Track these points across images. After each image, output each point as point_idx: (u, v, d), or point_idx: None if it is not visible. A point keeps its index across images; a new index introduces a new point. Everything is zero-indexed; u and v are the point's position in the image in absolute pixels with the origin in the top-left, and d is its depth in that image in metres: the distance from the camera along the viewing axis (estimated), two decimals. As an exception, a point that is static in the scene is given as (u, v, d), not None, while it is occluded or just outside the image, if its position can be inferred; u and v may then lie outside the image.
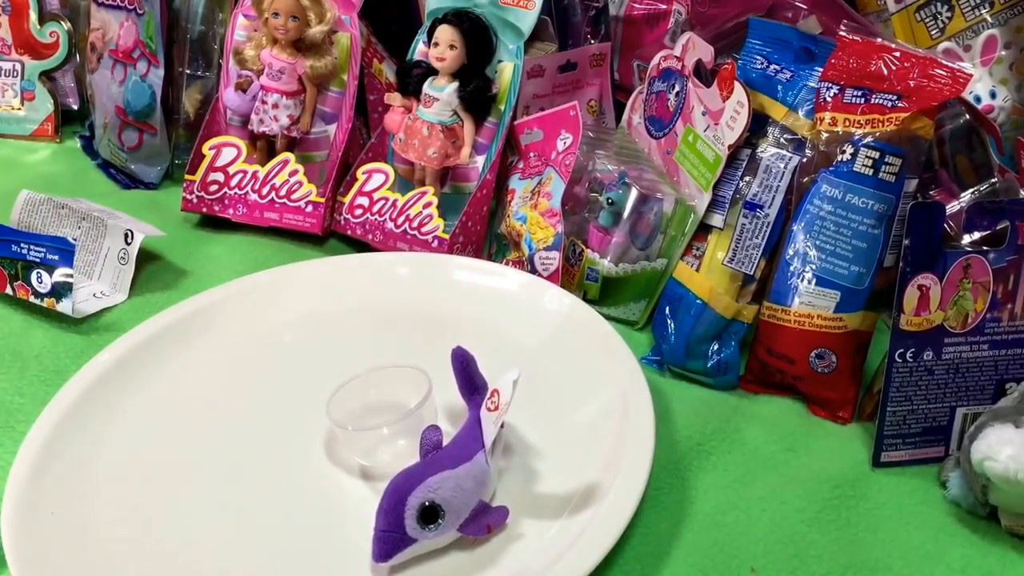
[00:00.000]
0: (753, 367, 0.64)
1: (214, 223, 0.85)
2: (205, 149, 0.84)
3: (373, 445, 0.54)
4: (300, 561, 0.48)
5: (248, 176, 0.84)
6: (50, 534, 0.48)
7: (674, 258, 0.68)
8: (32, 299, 0.69)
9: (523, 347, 0.63)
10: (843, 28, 0.61)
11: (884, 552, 0.51)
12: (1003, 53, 0.72)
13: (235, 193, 0.84)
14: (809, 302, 0.60)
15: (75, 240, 0.71)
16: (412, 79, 0.81)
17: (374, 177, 0.82)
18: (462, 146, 0.81)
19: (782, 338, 0.62)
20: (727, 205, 0.64)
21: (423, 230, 0.78)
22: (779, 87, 0.64)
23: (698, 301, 0.64)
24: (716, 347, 0.64)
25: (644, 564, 0.49)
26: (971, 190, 0.67)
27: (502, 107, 0.80)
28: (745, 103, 0.62)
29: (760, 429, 0.60)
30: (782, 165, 0.62)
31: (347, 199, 0.82)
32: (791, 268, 0.61)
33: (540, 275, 0.71)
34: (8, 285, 0.70)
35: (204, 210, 0.84)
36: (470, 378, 0.54)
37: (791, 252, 0.61)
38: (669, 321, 0.65)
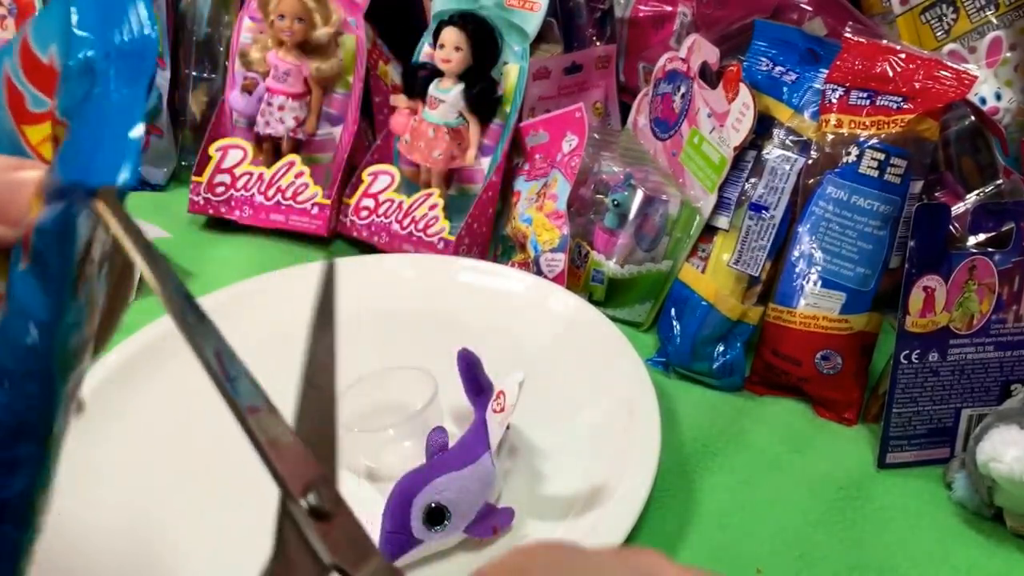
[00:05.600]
0: (758, 368, 0.64)
1: (220, 225, 0.85)
2: (211, 151, 0.84)
3: (379, 447, 0.55)
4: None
5: (254, 178, 0.84)
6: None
7: (679, 260, 0.68)
8: (39, 300, 0.69)
9: (529, 348, 0.63)
10: (848, 30, 0.61)
11: (889, 553, 0.51)
12: (1008, 55, 0.71)
13: (241, 195, 0.84)
14: (814, 303, 0.60)
15: (82, 242, 0.71)
16: (418, 81, 0.81)
17: (380, 179, 0.82)
18: (467, 148, 0.81)
19: (788, 339, 0.61)
20: (732, 207, 0.64)
21: (429, 232, 0.78)
22: (784, 89, 0.64)
23: (703, 303, 0.64)
24: (722, 348, 0.64)
25: (650, 565, 0.49)
26: (976, 192, 0.67)
27: (508, 109, 0.80)
28: (750, 105, 0.62)
29: (766, 430, 0.60)
30: (787, 167, 0.62)
31: (353, 201, 0.82)
32: (796, 270, 0.61)
33: (546, 277, 0.71)
34: (15, 286, 0.70)
35: (210, 212, 0.84)
36: (476, 380, 0.54)
37: (796, 254, 0.61)
38: (675, 322, 0.65)
